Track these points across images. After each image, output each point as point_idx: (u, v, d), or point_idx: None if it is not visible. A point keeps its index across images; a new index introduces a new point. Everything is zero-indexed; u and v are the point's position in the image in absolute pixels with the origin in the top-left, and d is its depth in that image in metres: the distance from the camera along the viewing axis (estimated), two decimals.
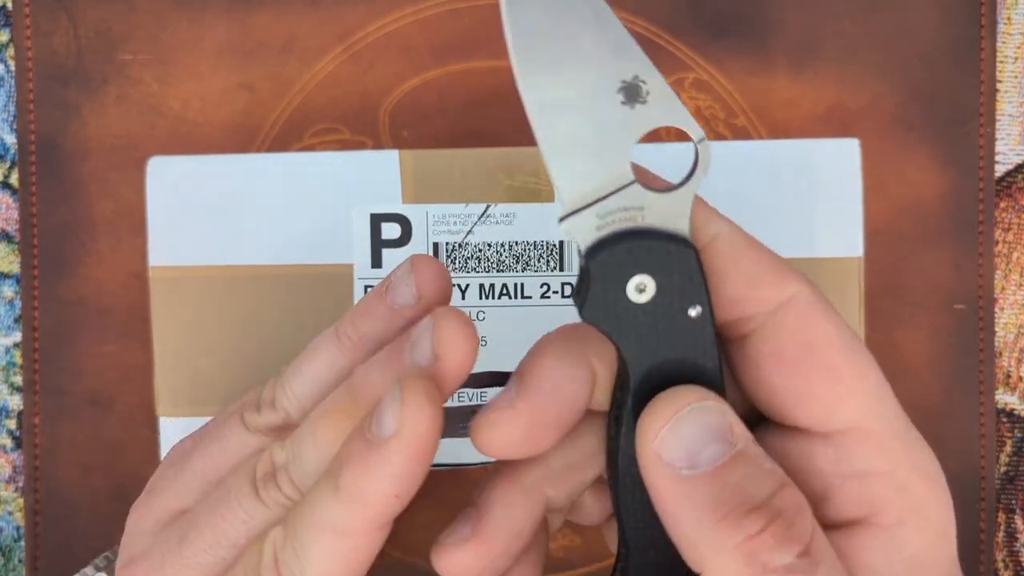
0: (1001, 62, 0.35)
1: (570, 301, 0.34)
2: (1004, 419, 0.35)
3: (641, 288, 0.22)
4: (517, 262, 0.34)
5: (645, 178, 0.22)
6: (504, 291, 0.34)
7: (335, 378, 0.25)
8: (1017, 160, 0.35)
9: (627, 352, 0.22)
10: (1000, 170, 0.35)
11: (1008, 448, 0.35)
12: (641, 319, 0.22)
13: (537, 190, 0.34)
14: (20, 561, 0.35)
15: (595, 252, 0.21)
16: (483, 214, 0.34)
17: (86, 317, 0.35)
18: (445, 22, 0.34)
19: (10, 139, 0.35)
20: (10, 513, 0.35)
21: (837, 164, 0.34)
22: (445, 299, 0.25)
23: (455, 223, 0.34)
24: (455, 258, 0.34)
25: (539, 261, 0.34)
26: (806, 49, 0.35)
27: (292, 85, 0.34)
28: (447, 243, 0.34)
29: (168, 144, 0.34)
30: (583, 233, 0.22)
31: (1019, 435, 0.35)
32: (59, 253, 0.35)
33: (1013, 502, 0.35)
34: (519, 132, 0.34)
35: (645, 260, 0.21)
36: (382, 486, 0.21)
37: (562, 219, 0.21)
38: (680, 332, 0.22)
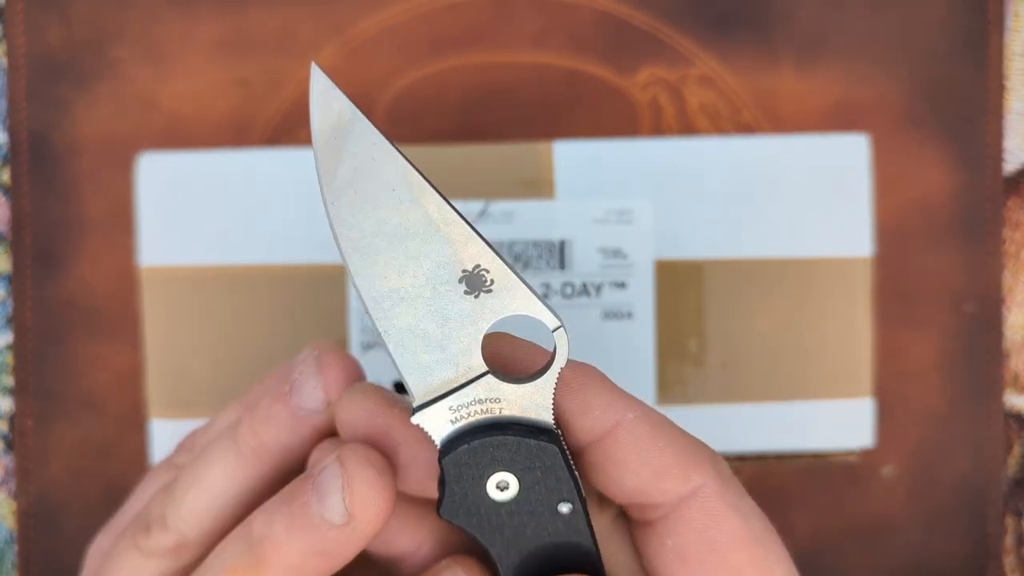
0: (1009, 59, 0.35)
1: (571, 302, 0.33)
2: (1012, 422, 0.35)
3: (503, 486, 0.20)
4: (516, 261, 0.33)
5: (504, 363, 0.21)
6: None
7: (235, 492, 0.23)
8: None
9: (494, 550, 0.21)
10: (1008, 168, 0.35)
11: (1016, 451, 0.35)
12: (506, 518, 0.20)
13: (536, 188, 0.33)
14: (13, 565, 0.35)
15: (450, 447, 0.20)
16: (481, 212, 0.33)
17: (78, 317, 0.34)
18: (443, 16, 0.34)
19: (2, 136, 0.35)
20: (2, 517, 0.35)
21: (845, 160, 0.34)
22: None
23: None
24: None
25: (539, 260, 0.33)
26: (812, 43, 0.34)
27: (287, 80, 0.34)
28: None
29: (162, 141, 0.34)
30: (437, 427, 0.20)
31: None
32: (51, 252, 0.34)
33: (1021, 506, 0.35)
34: (518, 128, 0.34)
35: (503, 456, 0.20)
36: None
37: (414, 411, 0.20)
38: (551, 528, 0.20)
